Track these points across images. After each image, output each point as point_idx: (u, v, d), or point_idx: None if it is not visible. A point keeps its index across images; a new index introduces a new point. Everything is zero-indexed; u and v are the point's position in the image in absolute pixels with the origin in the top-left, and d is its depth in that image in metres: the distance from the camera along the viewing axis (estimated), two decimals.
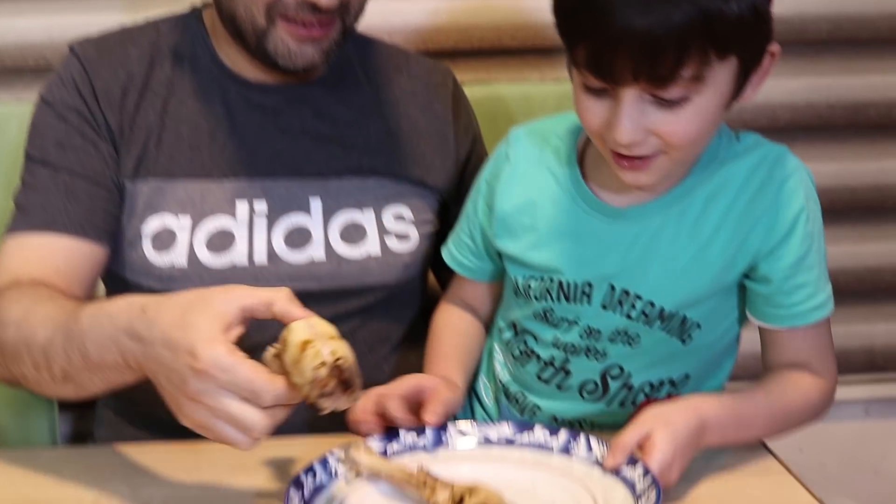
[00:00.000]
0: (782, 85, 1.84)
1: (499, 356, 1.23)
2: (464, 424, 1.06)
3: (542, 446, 1.04)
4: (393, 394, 1.06)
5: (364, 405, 1.04)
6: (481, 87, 1.52)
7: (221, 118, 1.26)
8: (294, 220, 1.25)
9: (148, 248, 1.22)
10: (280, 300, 0.91)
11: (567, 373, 1.13)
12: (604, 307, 1.08)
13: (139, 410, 1.25)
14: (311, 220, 1.25)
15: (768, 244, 1.06)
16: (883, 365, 2.01)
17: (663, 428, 0.97)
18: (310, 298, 1.20)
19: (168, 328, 0.89)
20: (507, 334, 1.20)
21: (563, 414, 1.16)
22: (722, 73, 0.97)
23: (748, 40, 0.97)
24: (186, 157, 1.24)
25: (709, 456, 1.03)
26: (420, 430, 1.05)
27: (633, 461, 0.97)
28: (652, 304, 1.07)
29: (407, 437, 1.04)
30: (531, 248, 1.12)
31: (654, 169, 1.01)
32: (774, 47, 1.02)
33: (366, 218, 1.27)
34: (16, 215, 1.21)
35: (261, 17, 1.18)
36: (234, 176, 1.24)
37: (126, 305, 0.95)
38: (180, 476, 1.05)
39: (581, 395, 1.14)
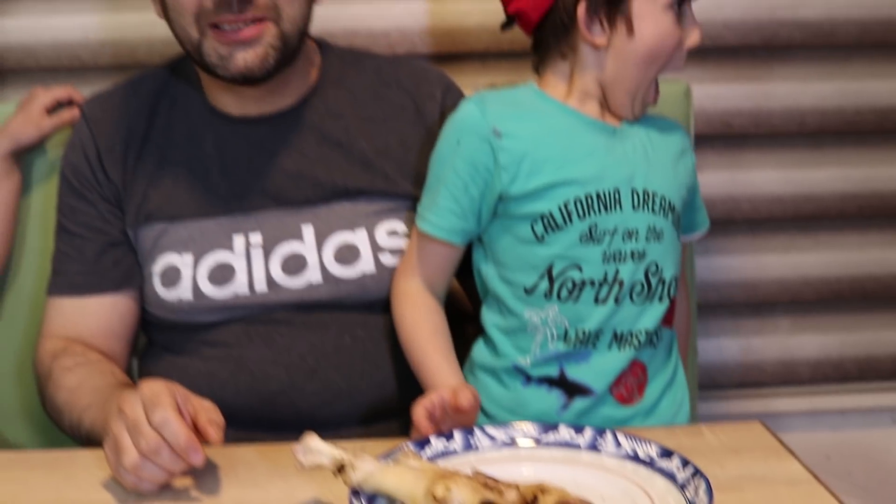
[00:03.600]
0: (811, 89, 1.84)
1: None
2: (489, 428, 1.08)
3: (569, 444, 1.06)
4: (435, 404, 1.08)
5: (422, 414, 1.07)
6: None
7: (213, 158, 1.33)
8: (288, 248, 1.30)
9: (158, 286, 1.31)
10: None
11: (620, 284, 1.22)
12: (633, 208, 1.22)
13: None
14: (305, 246, 1.30)
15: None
16: None
17: None
18: (312, 309, 1.29)
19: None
20: (542, 286, 1.22)
21: (616, 326, 1.23)
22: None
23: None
24: (184, 199, 1.32)
25: (735, 463, 1.06)
26: (448, 435, 1.06)
27: (667, 453, 1.00)
28: (664, 198, 1.24)
29: (437, 443, 1.06)
30: (559, 170, 1.21)
31: None
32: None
33: (358, 238, 1.31)
34: (51, 278, 1.37)
35: (192, 29, 1.24)
36: (229, 213, 1.32)
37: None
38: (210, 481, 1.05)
39: (631, 298, 1.23)
